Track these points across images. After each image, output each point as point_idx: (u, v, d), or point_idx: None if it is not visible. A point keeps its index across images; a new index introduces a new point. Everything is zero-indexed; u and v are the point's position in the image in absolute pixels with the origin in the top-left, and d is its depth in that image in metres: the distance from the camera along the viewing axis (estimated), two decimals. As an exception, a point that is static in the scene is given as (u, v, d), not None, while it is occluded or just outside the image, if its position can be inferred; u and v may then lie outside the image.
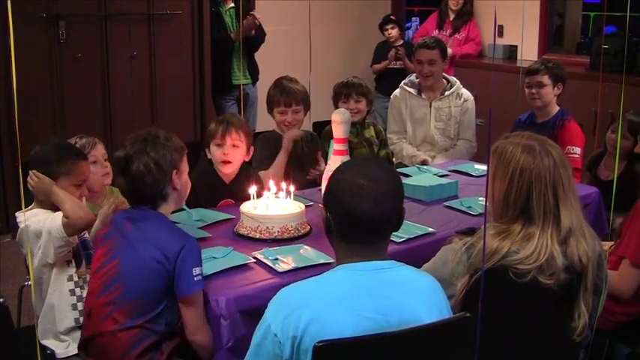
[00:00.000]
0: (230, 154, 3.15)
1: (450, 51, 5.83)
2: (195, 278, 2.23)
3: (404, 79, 4.60)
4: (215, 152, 3.17)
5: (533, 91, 4.05)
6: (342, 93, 4.02)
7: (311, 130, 4.05)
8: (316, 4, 5.86)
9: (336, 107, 3.94)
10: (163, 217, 2.38)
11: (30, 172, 2.60)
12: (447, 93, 4.40)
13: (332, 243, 1.93)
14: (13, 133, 4.79)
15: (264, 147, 3.57)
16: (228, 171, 3.21)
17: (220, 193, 3.23)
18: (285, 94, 3.57)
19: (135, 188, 2.34)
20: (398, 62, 6.59)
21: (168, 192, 2.37)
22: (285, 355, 1.75)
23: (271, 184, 2.83)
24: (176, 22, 5.54)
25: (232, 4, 5.78)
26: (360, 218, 1.80)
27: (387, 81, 6.15)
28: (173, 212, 2.80)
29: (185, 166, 2.44)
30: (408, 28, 8.67)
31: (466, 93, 4.44)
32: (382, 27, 6.74)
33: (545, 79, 4.01)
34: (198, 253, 2.28)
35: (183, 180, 2.42)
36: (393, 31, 6.70)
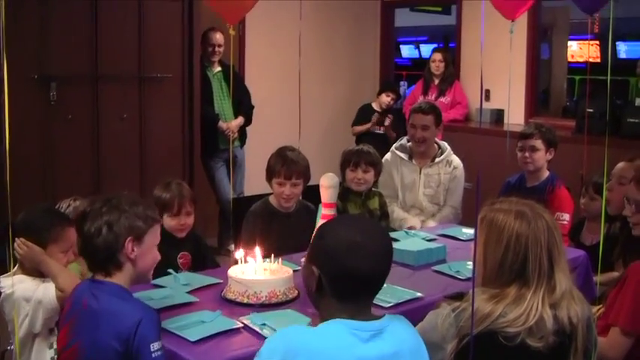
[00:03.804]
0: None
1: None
2: (154, 354, 2.11)
3: (385, 144, 4.56)
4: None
5: (526, 154, 4.04)
6: (350, 161, 3.91)
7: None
8: (306, 66, 5.94)
9: (343, 174, 3.93)
10: (118, 288, 2.23)
11: (18, 240, 2.58)
12: (437, 160, 4.36)
13: (317, 301, 1.91)
14: (2, 193, 4.76)
15: (256, 224, 3.49)
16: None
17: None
18: (287, 166, 3.45)
19: (86, 248, 2.25)
20: (382, 128, 6.65)
21: (122, 260, 2.23)
22: None
23: (257, 251, 2.80)
24: (166, 84, 5.59)
25: (219, 68, 5.85)
26: (359, 277, 1.80)
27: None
28: (160, 276, 2.78)
29: (152, 239, 2.30)
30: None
31: (456, 160, 4.40)
32: (382, 91, 6.81)
33: (539, 143, 4.02)
34: (157, 327, 2.18)
35: (144, 251, 2.27)
36: (392, 101, 6.79)
